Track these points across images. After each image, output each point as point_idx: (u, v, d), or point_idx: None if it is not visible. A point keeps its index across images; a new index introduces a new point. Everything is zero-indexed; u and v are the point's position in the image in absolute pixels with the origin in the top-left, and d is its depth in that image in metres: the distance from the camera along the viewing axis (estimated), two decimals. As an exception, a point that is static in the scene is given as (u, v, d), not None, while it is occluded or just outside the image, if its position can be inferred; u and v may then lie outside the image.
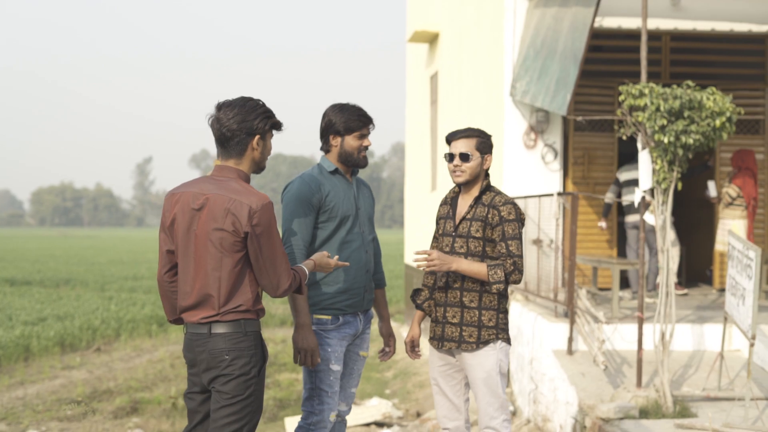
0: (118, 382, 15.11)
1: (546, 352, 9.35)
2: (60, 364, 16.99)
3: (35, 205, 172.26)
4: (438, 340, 5.09)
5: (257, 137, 4.29)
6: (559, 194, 9.61)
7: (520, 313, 10.62)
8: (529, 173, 11.37)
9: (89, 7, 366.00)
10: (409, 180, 20.07)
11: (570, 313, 9.08)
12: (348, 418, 11.78)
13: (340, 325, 5.01)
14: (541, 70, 10.56)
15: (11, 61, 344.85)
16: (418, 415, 12.43)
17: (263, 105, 4.35)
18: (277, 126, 4.40)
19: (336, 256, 4.66)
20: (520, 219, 4.95)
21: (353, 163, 5.10)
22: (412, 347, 5.29)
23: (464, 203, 5.08)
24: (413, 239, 18.89)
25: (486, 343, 4.95)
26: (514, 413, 10.24)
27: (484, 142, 5.03)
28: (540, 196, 10.21)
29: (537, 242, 10.41)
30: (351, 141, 5.06)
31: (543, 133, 11.38)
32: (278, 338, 19.65)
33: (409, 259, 19.29)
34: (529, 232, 10.65)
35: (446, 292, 5.03)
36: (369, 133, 5.13)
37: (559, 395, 8.81)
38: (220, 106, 4.30)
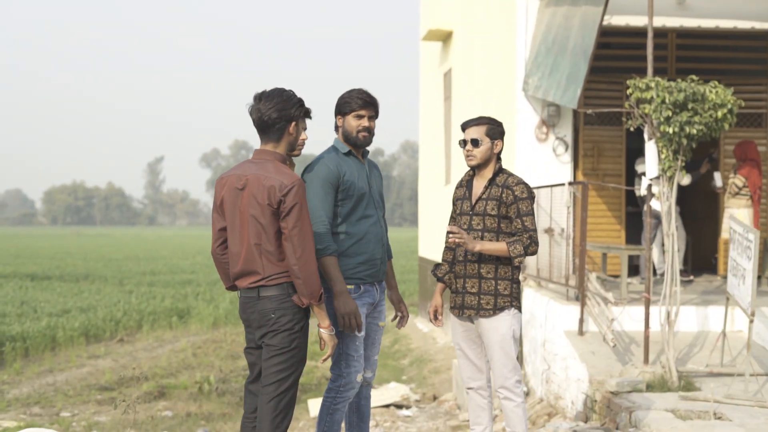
0: (144, 369, 15.65)
1: (558, 334, 9.85)
2: (86, 353, 17.56)
3: (47, 204, 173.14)
4: (459, 309, 5.64)
5: (293, 123, 4.92)
6: (570, 183, 10.11)
7: (533, 298, 11.12)
8: (540, 165, 11.85)
9: (97, 7, 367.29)
10: (422, 175, 20.58)
11: (581, 296, 9.59)
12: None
13: (362, 293, 5.46)
14: (553, 66, 11.06)
15: (23, 62, 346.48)
16: (435, 398, 12.95)
17: (296, 95, 4.98)
18: (308, 113, 5.04)
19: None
20: (531, 196, 5.55)
21: (353, 142, 5.51)
22: (435, 315, 5.82)
23: (479, 185, 5.66)
24: (428, 232, 19.39)
25: (501, 309, 5.52)
26: (527, 393, 10.73)
27: (494, 129, 5.62)
28: (551, 186, 10.71)
29: (549, 231, 10.90)
30: (351, 120, 5.48)
31: (554, 127, 11.87)
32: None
33: (424, 252, 19.80)
34: (540, 222, 11.13)
35: (465, 265, 5.60)
36: (369, 115, 5.51)
37: (570, 373, 9.32)
38: (260, 97, 4.92)
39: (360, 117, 5.48)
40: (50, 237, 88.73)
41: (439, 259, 6.05)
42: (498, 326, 5.51)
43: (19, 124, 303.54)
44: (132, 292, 26.67)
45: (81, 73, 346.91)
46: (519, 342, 5.62)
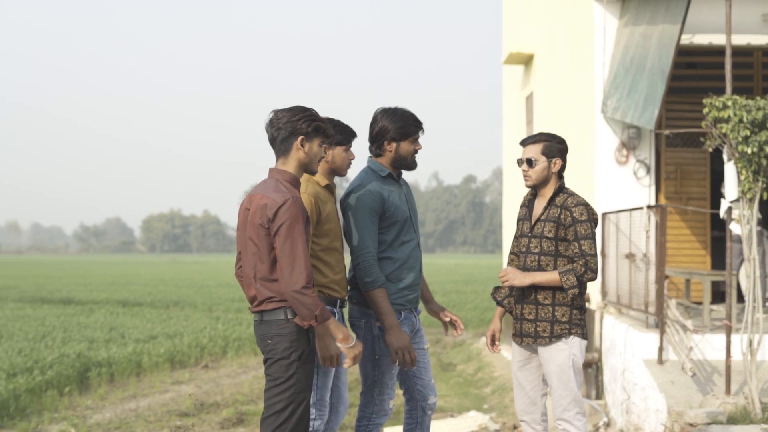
0: (225, 396, 15.67)
1: (637, 362, 9.52)
2: (170, 379, 17.66)
3: (145, 232, 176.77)
4: (518, 336, 5.40)
5: (301, 138, 4.63)
6: (648, 207, 9.80)
7: (612, 325, 10.80)
8: (621, 188, 11.55)
9: (183, 52, 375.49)
10: (506, 201, 20.31)
11: (660, 323, 9.25)
12: (444, 428, 12.12)
13: (402, 320, 5.26)
14: (631, 87, 10.78)
15: (131, 91, 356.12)
16: (515, 427, 12.65)
17: (311, 111, 4.69)
18: (321, 130, 4.69)
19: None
20: (592, 219, 5.21)
21: (406, 166, 5.34)
22: (492, 341, 5.59)
23: (539, 205, 5.38)
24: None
25: (558, 337, 5.22)
26: (608, 424, 10.41)
27: (552, 146, 5.30)
28: (630, 210, 10.40)
29: (629, 256, 10.57)
30: (406, 146, 5.28)
31: (635, 149, 11.57)
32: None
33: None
34: (621, 247, 10.84)
35: (523, 290, 5.33)
36: (420, 137, 5.36)
37: (649, 403, 8.98)
38: (274, 111, 4.69)
39: (416, 141, 5.34)
40: (147, 264, 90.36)
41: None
42: (555, 356, 5.25)
43: (116, 154, 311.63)
44: (219, 318, 26.84)
45: (176, 105, 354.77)
46: (581, 371, 5.34)
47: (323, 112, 4.78)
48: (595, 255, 5.17)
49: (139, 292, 38.47)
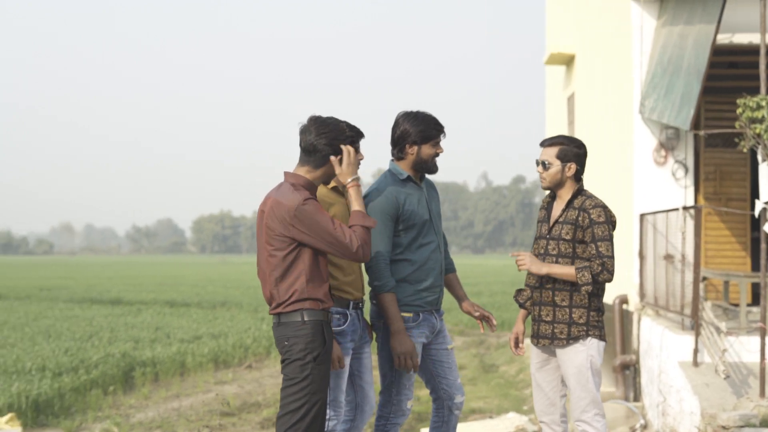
0: (267, 396, 15.80)
1: (673, 364, 9.47)
2: (213, 379, 17.83)
3: (196, 233, 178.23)
4: (535, 337, 5.41)
5: (339, 157, 4.85)
6: (684, 208, 9.73)
7: (649, 327, 10.74)
8: (659, 189, 11.48)
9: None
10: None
11: (695, 325, 9.19)
12: (482, 429, 12.12)
13: (420, 322, 5.29)
14: (668, 87, 10.71)
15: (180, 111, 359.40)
16: (553, 429, 12.63)
17: (349, 130, 4.94)
18: (357, 151, 4.98)
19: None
20: (610, 221, 5.18)
21: (427, 169, 5.37)
22: (516, 343, 5.60)
23: (558, 207, 5.37)
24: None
25: (576, 339, 5.21)
26: (645, 426, 10.35)
27: (567, 150, 5.27)
28: (667, 211, 10.34)
29: (667, 258, 10.51)
30: (427, 149, 5.30)
31: (673, 150, 11.49)
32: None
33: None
34: (658, 248, 10.77)
35: (541, 291, 5.33)
36: (441, 140, 5.38)
37: (684, 406, 8.93)
38: (314, 120, 4.85)
39: (437, 144, 5.36)
40: (196, 265, 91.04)
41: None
42: (572, 357, 5.24)
43: (170, 158, 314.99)
44: (264, 318, 27.01)
45: (219, 117, 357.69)
46: (599, 373, 5.33)
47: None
48: (612, 257, 5.15)
49: (187, 293, 38.81)
